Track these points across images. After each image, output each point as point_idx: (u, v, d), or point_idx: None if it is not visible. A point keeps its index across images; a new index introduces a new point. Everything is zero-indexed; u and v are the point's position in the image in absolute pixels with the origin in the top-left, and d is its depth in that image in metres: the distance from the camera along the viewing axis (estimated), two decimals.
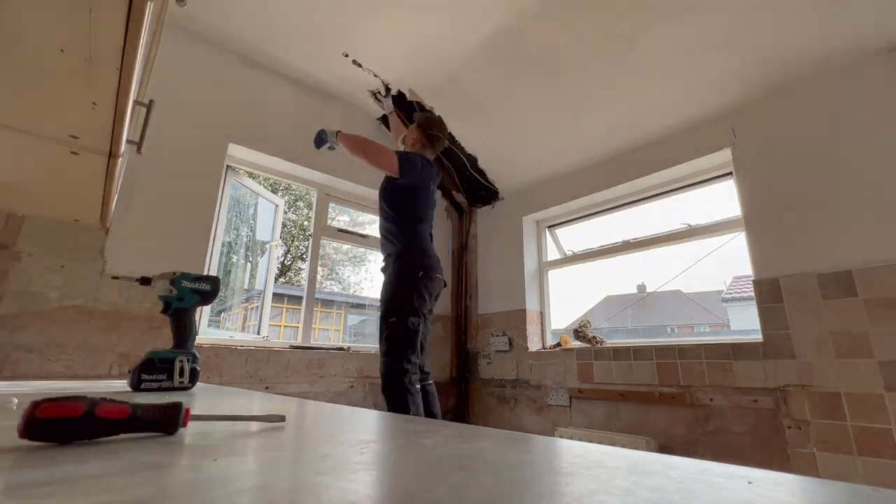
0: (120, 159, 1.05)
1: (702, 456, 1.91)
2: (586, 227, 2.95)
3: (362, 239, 3.08)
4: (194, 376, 0.97)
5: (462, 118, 2.85)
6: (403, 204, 1.90)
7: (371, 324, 3.37)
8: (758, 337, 1.89)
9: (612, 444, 2.03)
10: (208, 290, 1.05)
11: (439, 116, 2.12)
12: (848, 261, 1.69)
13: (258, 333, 2.50)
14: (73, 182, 1.22)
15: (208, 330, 2.23)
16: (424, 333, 1.85)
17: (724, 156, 2.18)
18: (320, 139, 1.98)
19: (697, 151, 2.24)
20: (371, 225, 3.34)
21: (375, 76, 2.61)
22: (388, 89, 2.68)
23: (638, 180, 2.49)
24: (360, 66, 2.54)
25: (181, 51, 2.21)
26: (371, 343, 3.13)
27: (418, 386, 1.71)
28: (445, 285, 1.97)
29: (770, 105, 2.02)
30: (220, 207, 2.27)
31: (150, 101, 1.11)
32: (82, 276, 1.76)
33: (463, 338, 3.19)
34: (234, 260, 2.80)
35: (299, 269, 10.55)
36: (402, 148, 2.13)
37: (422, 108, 2.86)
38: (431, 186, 1.97)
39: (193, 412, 0.47)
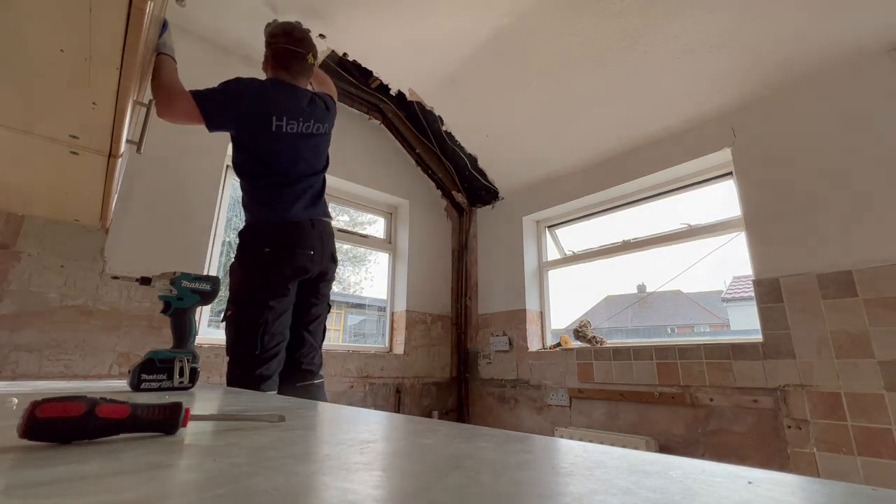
0: (120, 159, 1.05)
1: (702, 456, 1.91)
2: (586, 227, 2.95)
3: (362, 239, 3.08)
4: (194, 376, 0.97)
5: (462, 118, 2.85)
6: (236, 152, 1.42)
7: (371, 324, 3.37)
8: (758, 337, 1.89)
9: (612, 444, 2.03)
10: (208, 290, 1.05)
11: (297, 22, 1.55)
12: (848, 261, 1.69)
13: None
14: (73, 182, 1.22)
15: (208, 330, 2.23)
16: (307, 320, 1.50)
17: (724, 156, 2.18)
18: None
19: (697, 151, 2.24)
20: (371, 225, 3.34)
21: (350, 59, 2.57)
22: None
23: (638, 180, 2.48)
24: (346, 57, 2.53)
25: (181, 51, 2.20)
26: (371, 343, 3.13)
27: (273, 391, 1.34)
28: (335, 260, 1.57)
29: (770, 105, 2.02)
30: (220, 207, 2.27)
31: (150, 101, 1.11)
32: (82, 276, 1.76)
33: (463, 338, 3.19)
34: None
35: None
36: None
37: (422, 108, 2.86)
38: (274, 126, 1.39)
39: (193, 412, 0.47)
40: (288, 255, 1.40)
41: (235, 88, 1.38)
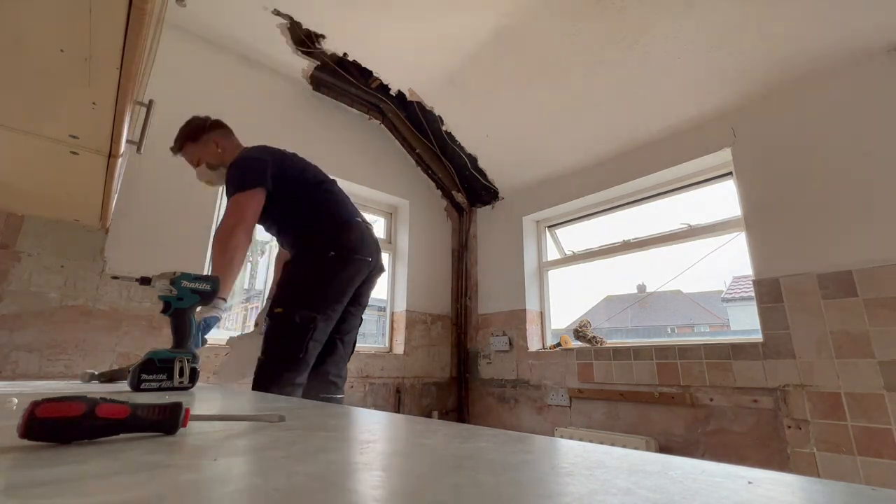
0: (120, 159, 1.05)
1: (702, 456, 1.91)
2: (586, 227, 2.95)
3: None
4: (194, 376, 0.97)
5: (462, 118, 2.85)
6: (279, 198, 1.44)
7: (371, 324, 3.37)
8: (758, 337, 1.89)
9: (612, 444, 2.03)
10: (208, 290, 1.05)
11: (193, 117, 1.64)
12: (848, 261, 1.69)
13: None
14: (73, 182, 1.22)
15: None
16: (344, 329, 1.48)
17: (724, 156, 2.18)
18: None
19: (697, 151, 2.24)
20: (371, 225, 3.34)
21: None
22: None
23: (638, 180, 2.48)
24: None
25: (181, 51, 2.21)
26: (371, 343, 3.13)
27: (298, 395, 1.30)
28: (383, 270, 1.58)
29: (770, 105, 2.02)
30: (220, 207, 2.27)
31: (150, 101, 1.11)
32: (82, 276, 1.76)
33: (463, 338, 3.19)
34: None
35: None
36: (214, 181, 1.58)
37: (422, 108, 2.86)
38: (283, 159, 1.50)
39: (193, 412, 0.47)
40: (351, 261, 1.39)
41: (251, 159, 1.46)
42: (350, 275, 1.39)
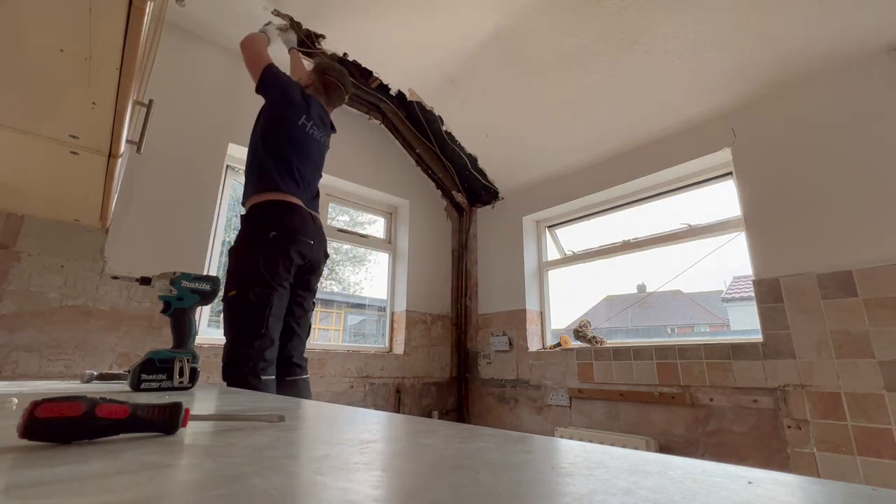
0: (120, 159, 1.05)
1: (702, 456, 1.91)
2: (586, 227, 2.95)
3: (362, 239, 3.08)
4: (194, 376, 0.97)
5: (462, 118, 2.85)
6: (261, 135, 1.58)
7: (371, 324, 3.37)
8: (758, 337, 1.89)
9: (612, 444, 2.03)
10: (208, 290, 1.05)
11: (343, 69, 1.87)
12: (848, 261, 1.69)
13: None
14: (73, 182, 1.22)
15: (208, 330, 2.23)
16: (297, 313, 1.55)
17: (724, 156, 2.18)
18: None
19: (697, 151, 2.24)
20: (371, 225, 3.34)
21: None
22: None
23: (638, 180, 2.49)
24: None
25: (181, 51, 2.21)
26: (371, 343, 3.13)
27: (272, 377, 1.38)
28: (327, 256, 1.68)
29: (770, 105, 2.02)
30: (220, 207, 2.27)
31: (150, 101, 1.11)
32: (82, 276, 1.76)
33: (463, 338, 3.19)
34: None
35: None
36: None
37: (422, 108, 2.86)
38: (304, 122, 1.63)
39: (193, 412, 0.47)
40: (293, 241, 1.47)
41: (288, 79, 1.69)
42: (294, 251, 1.47)
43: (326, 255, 1.67)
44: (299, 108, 1.63)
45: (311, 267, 1.57)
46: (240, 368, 1.31)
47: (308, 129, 1.64)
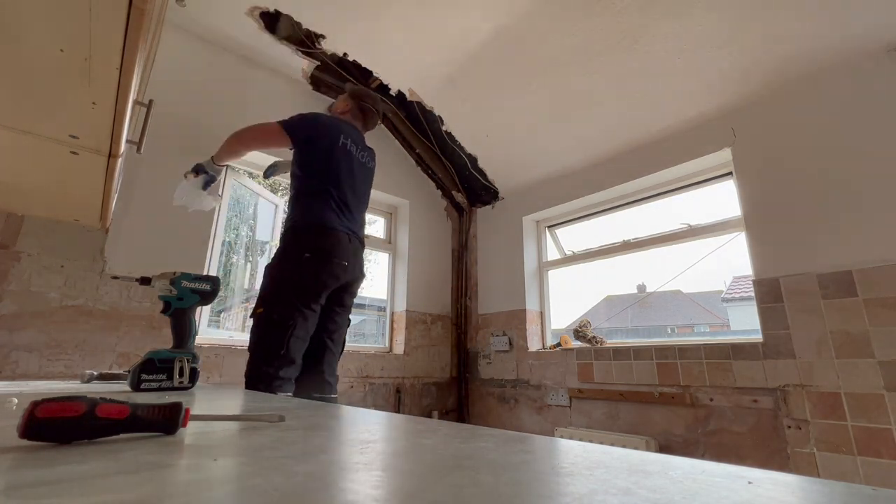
0: (120, 159, 1.05)
1: (702, 456, 1.91)
2: (586, 227, 2.95)
3: None
4: (194, 376, 0.97)
5: (462, 118, 2.85)
6: (298, 166, 1.59)
7: (371, 324, 3.37)
8: (758, 337, 1.89)
9: (612, 444, 2.03)
10: (208, 290, 1.05)
11: (377, 95, 1.91)
12: (848, 261, 1.69)
13: None
14: (73, 182, 1.22)
15: (208, 330, 2.23)
16: (331, 328, 1.56)
17: (724, 156, 2.18)
18: (207, 179, 1.70)
19: (697, 151, 2.24)
20: (371, 225, 3.34)
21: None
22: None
23: (638, 180, 2.48)
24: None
25: (181, 51, 2.21)
26: (371, 343, 3.13)
27: (288, 394, 1.37)
28: (363, 276, 1.67)
29: (770, 105, 2.02)
30: (220, 207, 2.27)
31: (150, 101, 1.11)
32: (82, 276, 1.76)
33: (463, 338, 3.19)
34: (234, 260, 2.80)
35: None
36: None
37: (422, 108, 2.86)
38: (341, 143, 1.62)
39: (193, 412, 0.47)
40: (326, 263, 1.46)
41: (310, 116, 1.66)
42: (327, 274, 1.47)
43: (363, 274, 1.67)
44: (334, 130, 1.64)
45: (345, 286, 1.57)
46: (257, 385, 1.33)
47: (348, 147, 1.65)
